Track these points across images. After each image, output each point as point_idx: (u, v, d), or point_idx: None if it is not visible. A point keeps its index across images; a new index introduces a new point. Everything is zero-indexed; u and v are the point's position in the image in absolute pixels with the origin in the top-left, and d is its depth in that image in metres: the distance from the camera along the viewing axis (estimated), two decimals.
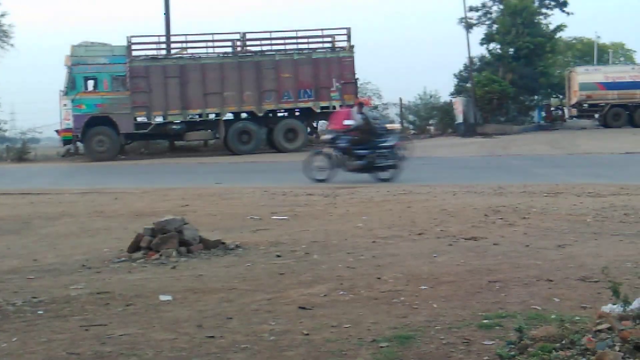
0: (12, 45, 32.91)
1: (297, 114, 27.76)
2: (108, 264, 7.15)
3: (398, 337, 4.37)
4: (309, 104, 27.25)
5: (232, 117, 27.64)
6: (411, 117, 39.67)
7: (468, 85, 37.49)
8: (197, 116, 27.02)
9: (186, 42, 27.55)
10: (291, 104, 27.31)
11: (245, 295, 5.58)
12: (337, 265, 6.66)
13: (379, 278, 6.05)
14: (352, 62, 27.49)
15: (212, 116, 27.14)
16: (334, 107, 27.25)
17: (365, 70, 68.26)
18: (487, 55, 41.16)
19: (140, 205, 12.39)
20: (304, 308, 5.13)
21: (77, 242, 8.78)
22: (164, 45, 27.36)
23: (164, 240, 7.31)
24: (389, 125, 18.42)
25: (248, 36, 27.71)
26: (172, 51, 27.32)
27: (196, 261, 7.09)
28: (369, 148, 15.49)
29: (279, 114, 27.72)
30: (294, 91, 27.06)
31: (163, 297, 5.57)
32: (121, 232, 9.24)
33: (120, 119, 26.09)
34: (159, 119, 26.53)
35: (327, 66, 27.16)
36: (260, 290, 5.76)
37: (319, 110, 27.31)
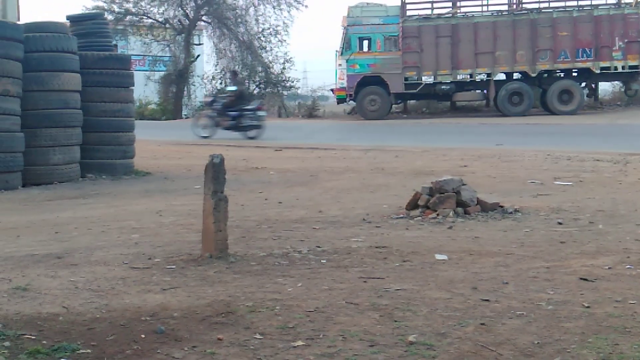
0: (306, 6, 34.77)
1: (574, 74, 26.27)
2: (387, 219, 7.34)
3: None
4: (588, 64, 25.67)
5: (503, 78, 26.82)
6: None
7: None
8: (468, 76, 26.59)
9: (459, 0, 27.12)
10: (568, 64, 25.91)
11: (522, 261, 5.43)
12: (624, 237, 6.23)
13: None
14: (639, 19, 25.35)
15: (482, 76, 26.56)
16: (616, 68, 25.39)
17: None
18: None
19: (419, 164, 12.56)
20: (585, 279, 4.87)
21: (359, 196, 9.13)
22: (437, 5, 27.13)
23: (442, 200, 7.33)
24: None
25: None
26: (446, 10, 27.02)
27: (473, 223, 7.03)
28: (237, 111, 19.19)
29: (554, 75, 26.41)
30: (571, 50, 25.63)
31: (439, 256, 5.61)
32: (400, 189, 9.44)
33: (391, 79, 26.47)
34: (429, 79, 26.47)
35: (610, 24, 25.34)
36: (538, 257, 5.57)
37: (598, 71, 25.60)
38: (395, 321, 4.04)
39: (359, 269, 5.26)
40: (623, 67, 25.58)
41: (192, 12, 35.66)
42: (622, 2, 25.84)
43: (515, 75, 26.78)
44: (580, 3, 26.15)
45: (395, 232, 6.67)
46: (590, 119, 24.34)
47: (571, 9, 25.99)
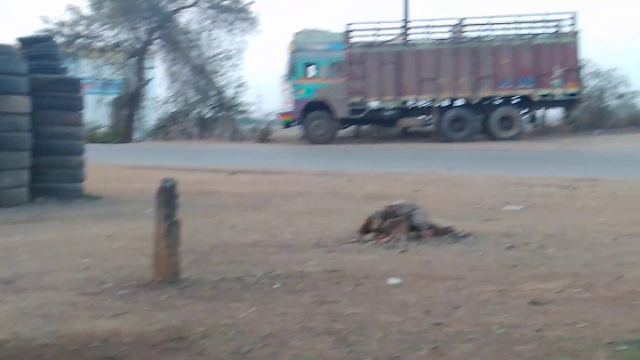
0: (259, 31, 34.94)
1: (515, 101, 26.91)
2: (340, 243, 7.36)
3: (638, 341, 4.07)
4: (528, 92, 26.30)
5: (447, 104, 27.33)
6: None
7: None
8: (411, 102, 27.04)
9: (403, 28, 27.63)
10: (509, 91, 26.53)
11: (474, 285, 5.49)
12: (573, 261, 6.34)
13: (619, 277, 5.67)
14: (576, 48, 26.17)
15: (426, 102, 27.06)
16: (554, 95, 26.06)
17: (614, 56, 64.32)
18: None
19: (372, 188, 12.64)
20: (536, 303, 4.94)
21: (313, 220, 9.14)
22: (381, 32, 27.56)
23: (394, 224, 7.38)
24: None
25: (466, 21, 27.28)
26: (390, 37, 27.45)
27: (425, 247, 7.09)
28: None
29: (496, 101, 27.01)
30: (512, 78, 26.26)
31: (392, 280, 5.63)
32: (353, 213, 9.48)
33: (337, 104, 26.79)
34: (374, 105, 26.83)
35: (549, 52, 26.06)
36: (489, 281, 5.64)
37: (538, 98, 26.24)
38: (349, 345, 4.04)
39: (312, 293, 5.26)
40: (562, 95, 26.22)
41: (144, 35, 35.51)
42: (562, 31, 26.51)
43: (459, 102, 27.26)
44: (521, 32, 26.78)
45: (349, 256, 6.69)
46: (539, 144, 24.82)
47: (511, 38, 26.61)
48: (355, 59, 26.69)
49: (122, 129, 34.87)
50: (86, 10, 34.78)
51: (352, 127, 30.11)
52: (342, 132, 30.05)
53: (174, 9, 35.49)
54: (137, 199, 11.91)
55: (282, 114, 28.16)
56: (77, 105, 12.26)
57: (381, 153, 23.38)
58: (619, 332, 4.26)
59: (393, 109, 26.95)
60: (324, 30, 28.19)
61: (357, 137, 30.01)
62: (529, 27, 26.85)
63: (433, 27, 27.43)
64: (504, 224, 8.54)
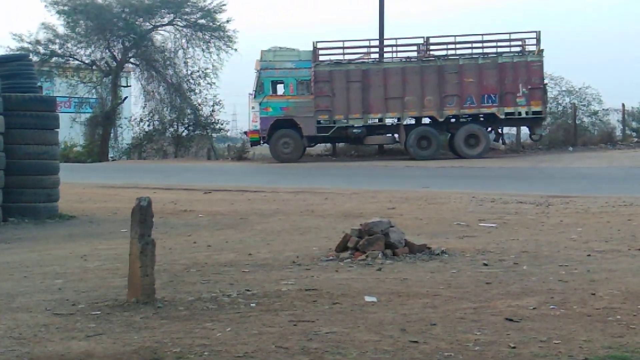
0: (235, 50, 34.88)
1: (481, 119, 27.21)
2: (317, 261, 7.35)
3: (612, 358, 4.10)
4: (493, 110, 26.60)
5: (413, 122, 27.57)
6: (634, 125, 37.16)
7: None
8: (378, 120, 27.22)
9: (370, 46, 27.84)
10: (474, 110, 26.79)
11: (450, 303, 5.50)
12: (548, 278, 6.38)
13: (593, 294, 5.72)
14: (541, 66, 26.51)
15: (393, 121, 27.23)
16: (520, 114, 26.37)
17: (585, 76, 65.09)
18: None
19: (348, 206, 12.65)
20: (511, 320, 4.96)
21: (289, 239, 9.12)
22: (348, 50, 27.80)
23: (371, 241, 7.39)
24: None
25: (432, 40, 27.57)
26: (357, 56, 27.66)
27: (401, 264, 7.10)
28: None
29: (461, 119, 27.30)
30: (477, 96, 26.52)
31: (368, 298, 5.63)
32: (330, 231, 9.48)
33: (304, 122, 26.86)
34: (341, 123, 26.98)
35: (514, 71, 26.35)
36: (465, 298, 5.66)
37: (503, 117, 26.57)
38: None
39: (288, 313, 5.24)
40: (527, 113, 26.54)
41: (119, 54, 35.38)
42: (526, 50, 26.83)
43: (425, 120, 27.51)
44: (486, 50, 27.09)
45: (325, 275, 6.68)
46: (513, 162, 25.02)
47: (477, 57, 26.90)
48: (322, 77, 26.86)
49: (97, 148, 34.64)
50: (61, 29, 34.66)
51: (329, 145, 30.16)
52: (319, 150, 30.10)
53: (149, 27, 35.42)
54: (111, 218, 11.82)
55: (250, 132, 28.20)
56: (51, 124, 12.17)
57: (358, 171, 23.43)
58: (594, 349, 4.29)
59: (360, 126, 27.12)
60: (291, 49, 28.36)
61: (333, 155, 30.07)
62: (494, 46, 27.21)
63: (400, 45, 27.73)
64: (479, 241, 8.58)
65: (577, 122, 31.10)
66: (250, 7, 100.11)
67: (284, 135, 27.15)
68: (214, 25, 34.84)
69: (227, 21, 34.85)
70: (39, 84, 15.13)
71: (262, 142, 27.92)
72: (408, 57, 27.34)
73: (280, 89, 27.66)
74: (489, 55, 26.77)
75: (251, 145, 29.47)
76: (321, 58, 27.18)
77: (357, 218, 10.30)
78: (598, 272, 6.60)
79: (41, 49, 34.26)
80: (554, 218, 10.62)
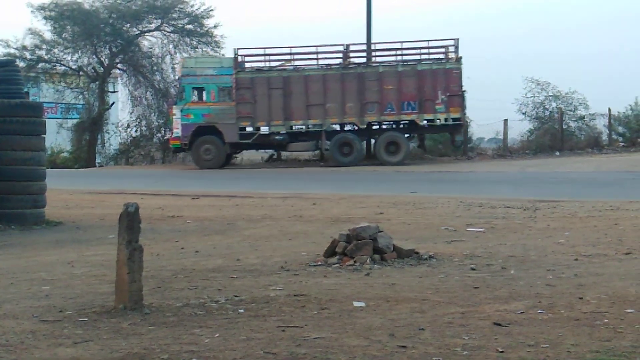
0: (223, 55, 34.82)
1: (402, 126, 27.50)
2: (305, 267, 7.34)
3: None
4: (413, 117, 26.83)
5: (337, 129, 27.75)
6: (621, 129, 37.38)
7: None
8: (300, 127, 27.39)
9: (291, 54, 28.05)
10: (394, 117, 27.01)
11: (438, 307, 5.51)
12: (535, 282, 6.40)
13: (580, 298, 5.74)
14: (460, 74, 26.69)
15: (315, 127, 27.31)
16: (439, 120, 26.59)
17: (571, 79, 65.45)
18: None
19: (336, 211, 12.65)
20: (499, 324, 4.97)
21: (277, 244, 9.11)
22: (269, 57, 27.97)
23: (359, 247, 7.39)
24: None
25: (352, 48, 27.80)
26: (278, 63, 27.91)
27: (389, 269, 7.11)
28: None
29: (382, 126, 27.58)
30: (397, 103, 26.71)
31: (357, 304, 5.63)
32: (318, 236, 9.48)
33: (226, 129, 26.92)
34: (263, 130, 27.14)
35: (433, 78, 26.55)
36: (453, 303, 5.66)
37: (423, 123, 26.81)
38: None
39: (277, 318, 5.23)
40: (446, 120, 26.74)
41: (106, 59, 35.26)
42: (447, 57, 27.03)
43: (348, 127, 27.70)
44: (406, 58, 27.31)
45: (314, 280, 6.67)
46: (500, 166, 25.11)
47: (396, 64, 27.11)
48: (244, 83, 26.98)
49: (84, 154, 34.50)
50: (48, 34, 34.51)
51: (317, 152, 30.25)
52: (307, 155, 30.09)
53: (136, 33, 35.33)
54: (98, 224, 11.77)
55: (171, 139, 28.21)
56: (38, 130, 12.10)
57: (346, 176, 23.44)
58: (581, 353, 4.31)
59: (283, 133, 27.23)
60: (214, 55, 28.54)
61: (322, 160, 30.07)
62: (413, 54, 27.49)
63: (320, 52, 27.94)
64: (467, 245, 8.60)
65: (564, 127, 31.26)
66: (237, 13, 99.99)
67: (205, 142, 27.21)
68: (202, 31, 34.84)
69: (215, 26, 34.88)
70: (25, 89, 15.05)
71: (184, 148, 27.96)
72: (329, 65, 27.58)
73: (202, 96, 27.70)
74: (408, 63, 27.04)
75: (174, 152, 29.70)
76: (243, 65, 27.31)
77: (345, 223, 10.30)
78: (585, 277, 6.63)
79: (28, 55, 34.10)
80: (542, 222, 10.66)
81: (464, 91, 27.32)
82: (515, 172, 22.98)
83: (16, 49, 33.83)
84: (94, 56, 34.97)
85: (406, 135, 27.47)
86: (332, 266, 7.27)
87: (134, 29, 35.23)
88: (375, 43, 28.15)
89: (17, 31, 78.17)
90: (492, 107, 48.64)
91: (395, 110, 26.75)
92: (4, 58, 28.41)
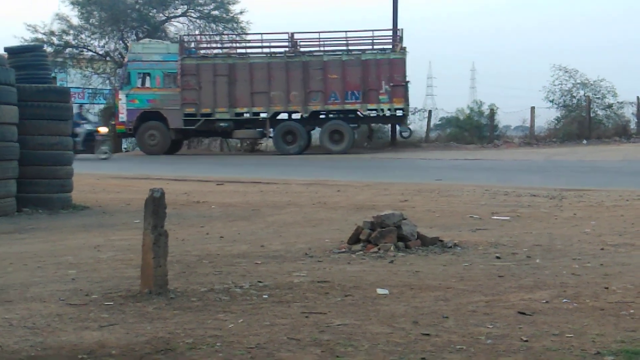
0: (249, 41, 34.84)
1: (349, 115, 27.43)
2: (329, 253, 7.35)
3: (625, 352, 4.09)
4: (356, 106, 26.85)
5: (285, 117, 27.76)
6: None
7: None
8: (245, 114, 27.41)
9: (236, 41, 28.07)
10: (337, 106, 27.01)
11: (462, 296, 5.50)
12: (560, 272, 6.36)
13: (606, 288, 5.69)
14: (404, 64, 26.68)
15: (261, 115, 27.36)
16: (382, 110, 26.38)
17: (600, 69, 64.57)
18: None
19: (361, 198, 12.64)
20: (523, 313, 4.95)
21: (301, 231, 9.13)
22: (215, 45, 27.91)
23: (383, 234, 7.39)
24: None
25: (296, 36, 27.74)
26: (224, 50, 28.06)
27: (413, 257, 7.10)
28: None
29: (326, 115, 27.56)
30: (341, 93, 26.73)
31: (380, 291, 5.63)
32: (342, 223, 9.48)
33: (171, 114, 27.08)
34: (207, 116, 27.16)
35: (377, 68, 26.51)
36: (477, 291, 5.65)
37: (366, 113, 26.76)
38: (337, 357, 4.03)
39: (300, 304, 5.25)
40: (389, 110, 26.63)
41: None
42: (389, 48, 26.97)
43: (294, 115, 27.70)
44: (350, 48, 27.21)
45: (337, 267, 6.68)
46: (527, 154, 24.93)
47: (340, 54, 27.04)
48: (189, 70, 27.12)
49: (111, 139, 34.78)
50: (75, 20, 34.76)
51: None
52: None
53: (163, 18, 35.49)
54: (124, 209, 11.87)
55: (117, 123, 28.33)
56: (65, 115, 12.21)
57: (370, 163, 23.41)
58: (606, 343, 4.28)
59: (228, 120, 27.22)
60: (160, 42, 28.74)
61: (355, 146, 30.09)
62: (358, 43, 27.39)
63: (265, 41, 28.02)
64: (492, 234, 8.56)
65: (592, 115, 30.92)
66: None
67: (150, 128, 27.42)
68: (228, 17, 34.88)
69: (241, 12, 34.93)
70: (52, 74, 15.20)
71: (128, 133, 28.19)
72: (274, 53, 27.53)
73: (147, 81, 27.78)
74: (353, 53, 27.00)
75: (119, 137, 29.89)
76: (188, 51, 27.47)
77: (370, 210, 10.29)
78: (611, 266, 6.58)
79: (55, 40, 34.38)
80: (568, 211, 10.58)
81: (408, 82, 27.37)
82: (542, 160, 22.80)
83: (44, 34, 34.13)
84: (121, 42, 35.17)
85: (351, 125, 27.47)
86: (355, 253, 7.27)
87: (161, 15, 35.38)
88: (320, 32, 28.10)
89: (44, 16, 78.86)
90: (519, 95, 48.31)
91: (340, 100, 26.87)
92: (32, 43, 28.66)
